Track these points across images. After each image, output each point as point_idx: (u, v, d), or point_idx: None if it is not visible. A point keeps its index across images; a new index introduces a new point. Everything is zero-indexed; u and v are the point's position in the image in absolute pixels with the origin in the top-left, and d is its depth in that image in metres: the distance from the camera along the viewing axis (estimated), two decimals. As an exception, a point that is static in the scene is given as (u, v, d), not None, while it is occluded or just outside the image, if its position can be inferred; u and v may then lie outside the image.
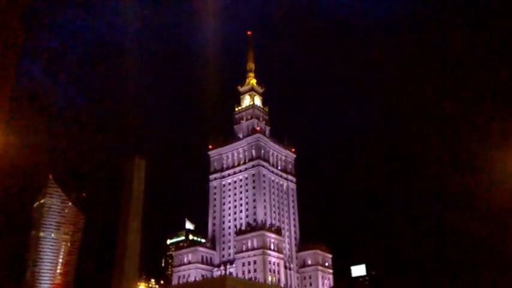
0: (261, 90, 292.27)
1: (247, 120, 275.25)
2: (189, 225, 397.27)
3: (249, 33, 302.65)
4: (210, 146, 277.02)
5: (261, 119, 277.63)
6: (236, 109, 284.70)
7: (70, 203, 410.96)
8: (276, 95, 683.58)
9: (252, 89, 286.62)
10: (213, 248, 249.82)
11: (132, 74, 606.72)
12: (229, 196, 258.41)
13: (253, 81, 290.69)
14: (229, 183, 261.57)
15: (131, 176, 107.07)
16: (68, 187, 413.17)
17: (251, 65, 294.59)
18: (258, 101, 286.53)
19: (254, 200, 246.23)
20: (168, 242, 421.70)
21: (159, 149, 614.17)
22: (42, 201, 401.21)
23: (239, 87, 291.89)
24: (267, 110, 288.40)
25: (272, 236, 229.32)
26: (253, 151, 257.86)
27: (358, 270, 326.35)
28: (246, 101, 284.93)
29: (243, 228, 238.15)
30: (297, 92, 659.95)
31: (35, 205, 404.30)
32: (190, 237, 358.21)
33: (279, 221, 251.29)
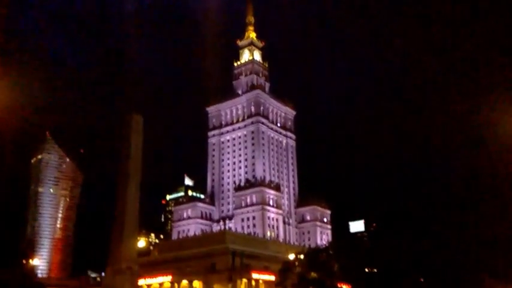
0: (260, 44, 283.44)
1: (246, 75, 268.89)
2: (188, 182, 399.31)
3: None
4: (209, 102, 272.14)
5: (260, 75, 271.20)
6: (235, 64, 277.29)
7: (68, 159, 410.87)
8: (276, 50, 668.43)
9: (251, 43, 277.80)
10: (212, 203, 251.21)
11: (129, 28, 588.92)
12: (228, 153, 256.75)
13: (253, 35, 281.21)
14: (228, 140, 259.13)
15: (129, 133, 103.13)
16: (66, 143, 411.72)
17: (250, 19, 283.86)
18: (257, 55, 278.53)
19: (253, 157, 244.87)
20: (168, 197, 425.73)
21: (157, 105, 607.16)
22: (39, 156, 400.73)
23: (238, 41, 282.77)
24: (266, 65, 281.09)
25: (271, 193, 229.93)
26: (253, 107, 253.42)
27: (357, 226, 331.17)
28: (245, 56, 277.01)
29: (242, 184, 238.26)
30: (298, 47, 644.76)
31: (32, 160, 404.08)
32: (190, 193, 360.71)
33: (278, 177, 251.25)
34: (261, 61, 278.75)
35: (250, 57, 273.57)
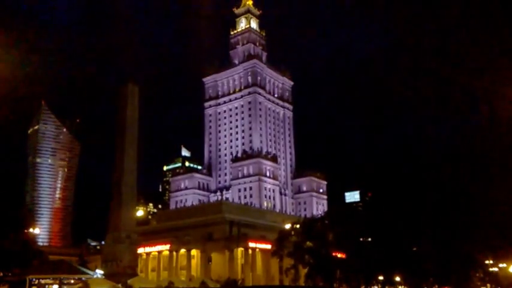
0: (257, 12, 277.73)
1: (243, 45, 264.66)
2: (185, 152, 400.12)
3: None
4: (205, 73, 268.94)
5: (257, 44, 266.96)
6: (231, 33, 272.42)
7: (65, 129, 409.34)
8: (274, 18, 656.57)
9: (248, 11, 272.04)
10: (209, 174, 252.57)
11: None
12: (225, 124, 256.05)
13: (250, 2, 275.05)
14: (225, 111, 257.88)
15: (125, 103, 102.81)
16: (62, 113, 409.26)
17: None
18: (254, 24, 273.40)
19: (250, 128, 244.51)
20: (165, 168, 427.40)
21: (154, 75, 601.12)
22: (36, 127, 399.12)
23: (234, 9, 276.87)
24: (264, 34, 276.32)
25: (268, 164, 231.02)
26: (249, 78, 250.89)
27: (352, 197, 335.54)
28: (242, 24, 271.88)
29: (239, 155, 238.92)
30: (296, 14, 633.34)
31: (29, 131, 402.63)
32: (187, 164, 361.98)
33: (275, 148, 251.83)
34: (258, 30, 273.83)
35: (247, 26, 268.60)
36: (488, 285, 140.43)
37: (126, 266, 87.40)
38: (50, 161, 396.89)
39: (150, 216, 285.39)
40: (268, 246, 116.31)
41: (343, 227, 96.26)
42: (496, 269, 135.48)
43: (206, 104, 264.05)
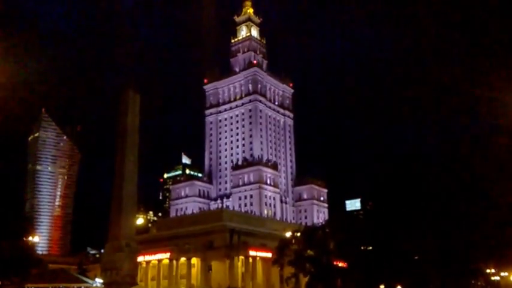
0: (258, 20, 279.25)
1: (243, 53, 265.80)
2: (185, 160, 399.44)
3: None
4: (206, 80, 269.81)
5: (258, 52, 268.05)
6: (232, 41, 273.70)
7: (65, 137, 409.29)
8: (274, 26, 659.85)
9: (248, 19, 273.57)
10: (210, 182, 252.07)
11: (126, 3, 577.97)
12: (226, 131, 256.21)
13: (250, 10, 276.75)
14: (226, 119, 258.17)
15: (125, 110, 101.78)
16: (62, 120, 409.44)
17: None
18: (255, 32, 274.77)
19: (251, 136, 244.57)
20: (165, 176, 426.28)
21: (155, 82, 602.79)
22: (36, 134, 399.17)
23: (235, 17, 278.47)
24: (264, 42, 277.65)
25: (268, 171, 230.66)
26: (250, 85, 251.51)
27: (353, 205, 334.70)
28: (243, 32, 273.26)
29: (240, 163, 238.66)
30: (296, 22, 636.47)
31: (29, 139, 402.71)
32: (187, 171, 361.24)
33: (275, 156, 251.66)
34: (258, 38, 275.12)
35: (248, 34, 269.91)
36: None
37: (126, 275, 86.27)
38: (50, 168, 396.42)
39: (150, 224, 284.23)
40: (269, 255, 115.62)
41: (344, 235, 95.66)
42: (497, 278, 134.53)
43: (207, 112, 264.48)
